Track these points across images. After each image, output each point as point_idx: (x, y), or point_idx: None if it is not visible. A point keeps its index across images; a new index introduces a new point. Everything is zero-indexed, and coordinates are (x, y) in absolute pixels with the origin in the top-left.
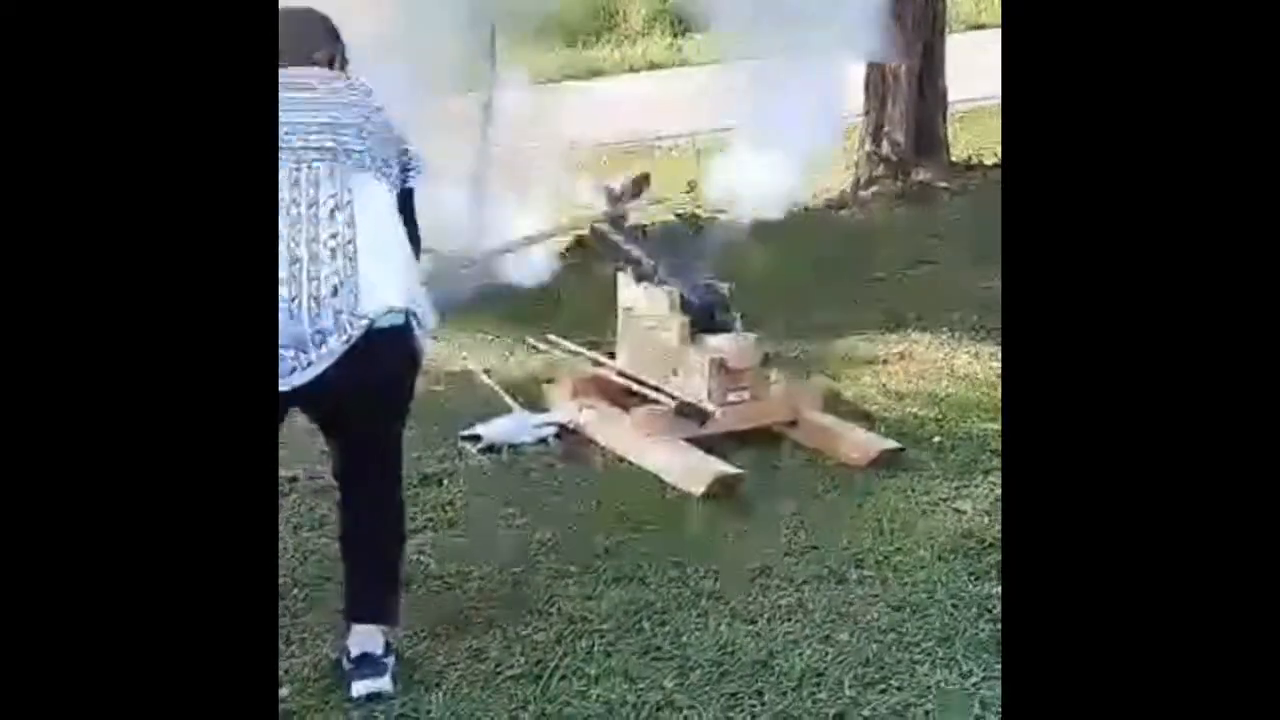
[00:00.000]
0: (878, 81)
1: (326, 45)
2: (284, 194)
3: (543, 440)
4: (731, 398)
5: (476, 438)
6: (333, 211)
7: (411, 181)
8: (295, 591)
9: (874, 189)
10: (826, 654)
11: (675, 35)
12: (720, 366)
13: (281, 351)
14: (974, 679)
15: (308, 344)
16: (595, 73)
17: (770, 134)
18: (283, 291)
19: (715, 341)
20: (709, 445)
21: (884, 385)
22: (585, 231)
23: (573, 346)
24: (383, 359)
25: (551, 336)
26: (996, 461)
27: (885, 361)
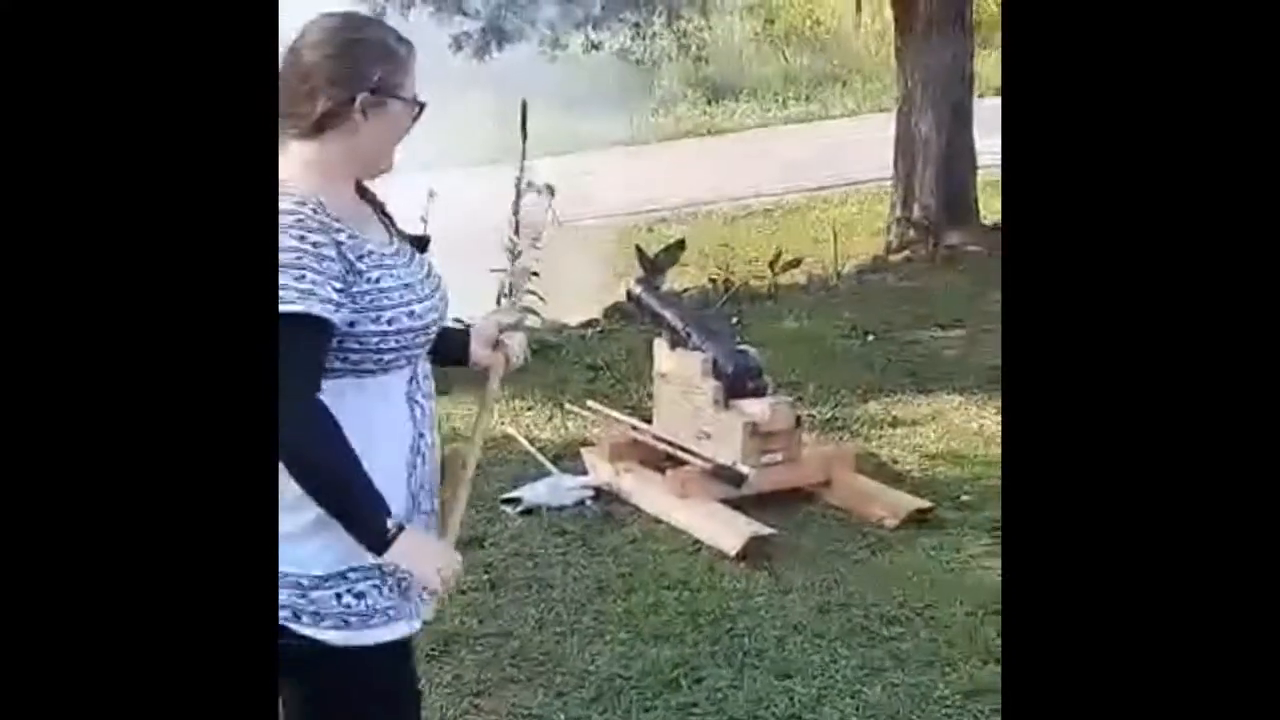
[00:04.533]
0: (908, 144)
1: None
2: None
3: (580, 503)
4: (765, 460)
5: (516, 500)
6: None
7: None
8: None
9: (905, 253)
10: (857, 710)
11: (709, 102)
12: (754, 429)
13: None
14: None
15: None
16: (631, 140)
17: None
18: None
19: (748, 405)
20: (743, 506)
21: (915, 446)
22: (622, 298)
23: (610, 411)
24: None
25: (590, 402)
26: None
27: (916, 423)
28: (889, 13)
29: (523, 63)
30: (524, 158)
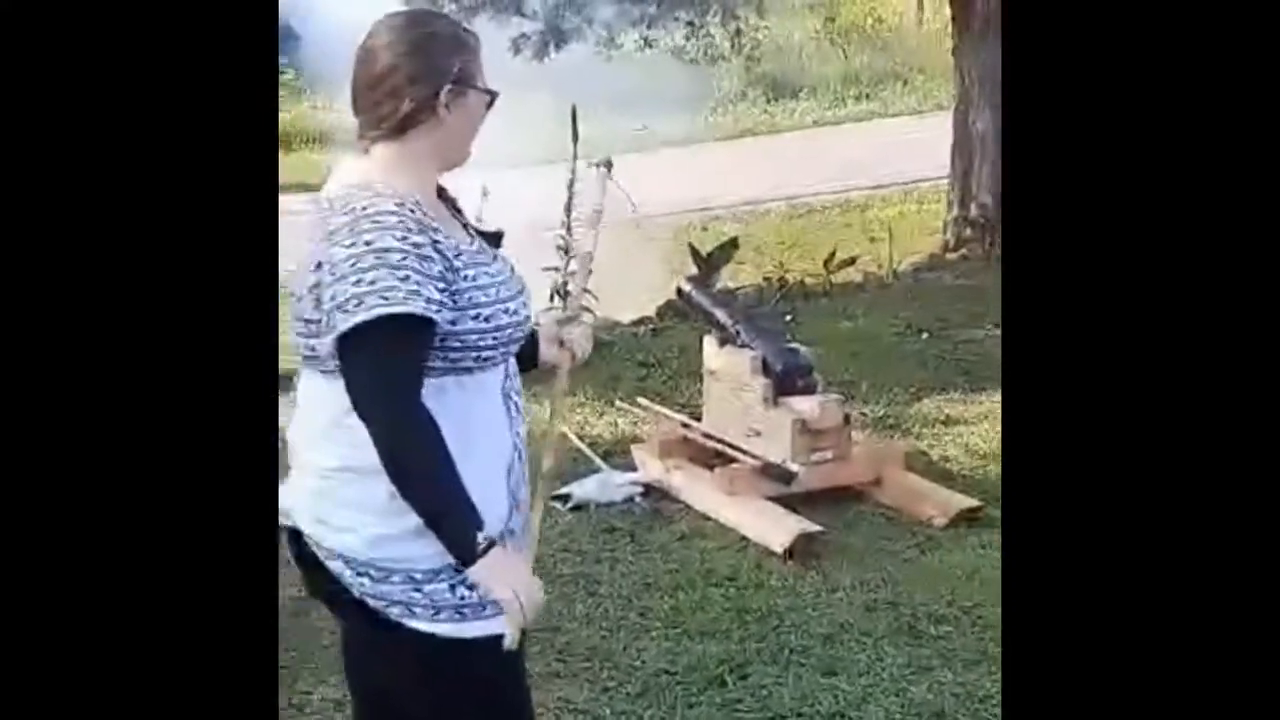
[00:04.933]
0: (965, 142)
1: (460, 62)
2: None
3: (630, 499)
4: (814, 457)
5: (566, 497)
6: None
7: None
8: None
9: (961, 252)
10: (903, 708)
11: (768, 101)
12: (803, 427)
13: None
14: None
15: None
16: (687, 139)
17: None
18: None
19: (798, 403)
20: (792, 503)
21: (967, 445)
22: (674, 296)
23: (660, 408)
24: None
25: (641, 399)
26: None
27: (969, 422)
28: (949, 10)
29: (580, 63)
30: (575, 159)
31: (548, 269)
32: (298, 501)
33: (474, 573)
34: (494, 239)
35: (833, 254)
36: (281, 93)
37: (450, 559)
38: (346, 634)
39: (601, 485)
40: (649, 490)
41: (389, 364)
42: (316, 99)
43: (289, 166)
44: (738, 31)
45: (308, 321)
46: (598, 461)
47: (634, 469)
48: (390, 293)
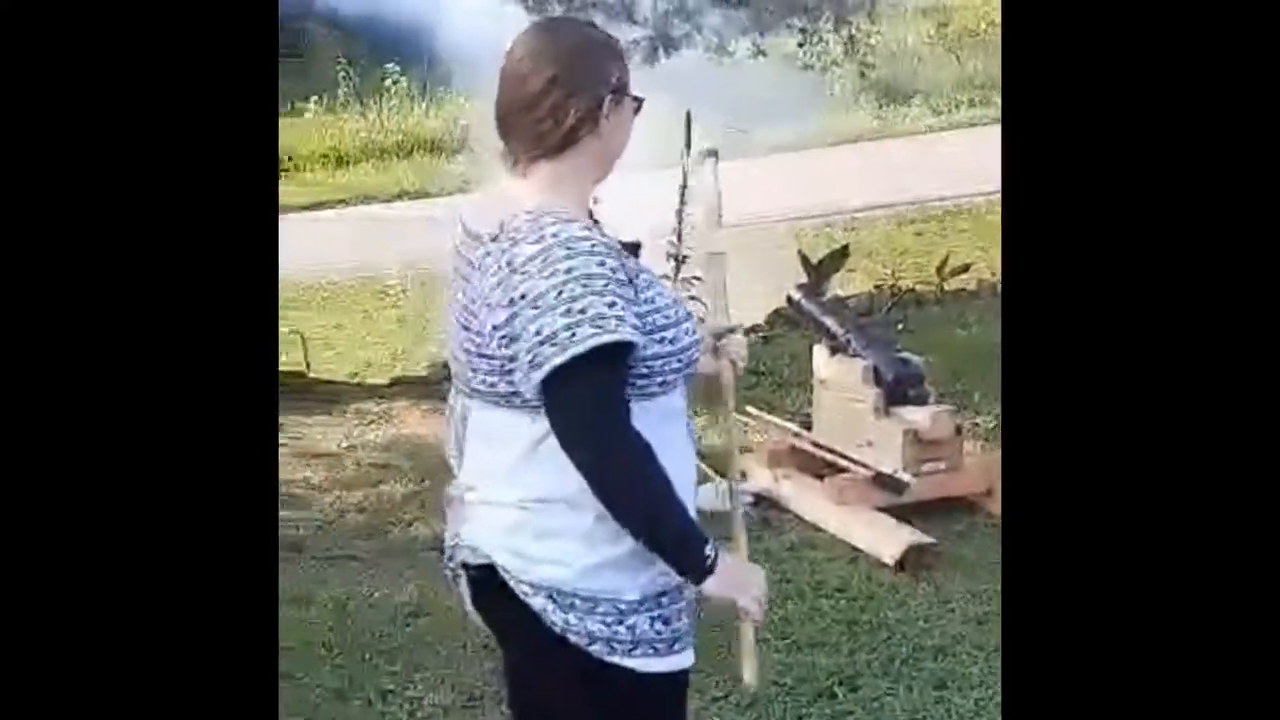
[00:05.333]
0: None
1: (616, 69)
2: None
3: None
4: (926, 468)
5: None
6: None
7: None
8: None
9: None
10: None
11: (880, 106)
12: (915, 437)
13: None
14: None
15: None
16: (798, 145)
17: (975, 202)
18: None
19: (909, 413)
20: (903, 514)
21: None
22: (784, 304)
23: (769, 417)
24: None
25: (750, 408)
26: None
27: None
28: None
29: (690, 69)
30: (686, 166)
31: (661, 277)
32: (489, 538)
33: (710, 586)
34: (633, 249)
35: (945, 261)
36: (392, 100)
37: (655, 590)
38: (518, 668)
39: (712, 495)
40: (758, 500)
41: (605, 393)
42: (431, 106)
43: (401, 171)
44: (850, 38)
45: (489, 358)
46: (706, 470)
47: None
48: (602, 321)
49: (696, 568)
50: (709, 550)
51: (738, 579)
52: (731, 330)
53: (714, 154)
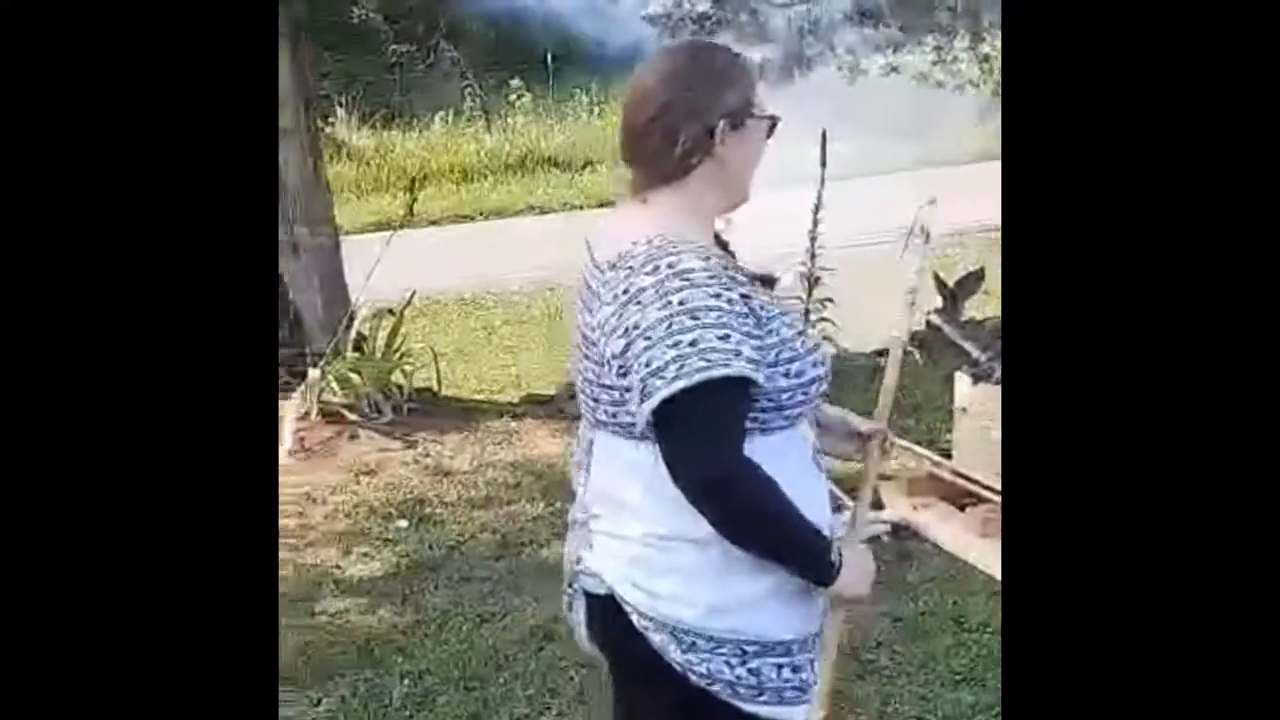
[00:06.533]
0: None
1: (735, 94)
2: None
3: (876, 538)
4: None
5: None
6: None
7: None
8: None
9: None
10: None
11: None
12: None
13: None
14: None
15: None
16: (932, 162)
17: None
18: None
19: None
20: None
21: None
22: (920, 326)
23: (908, 444)
24: None
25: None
26: None
27: None
28: None
29: (823, 87)
30: (822, 185)
31: (789, 298)
32: (614, 568)
33: (839, 585)
34: (766, 281)
35: None
36: (518, 116)
37: (786, 635)
38: (633, 704)
39: (849, 523)
40: (896, 529)
41: (713, 426)
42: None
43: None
44: (985, 57)
45: (609, 388)
46: (843, 498)
47: (880, 507)
48: (711, 354)
49: (824, 572)
50: (833, 556)
51: (863, 571)
52: (880, 432)
53: (926, 235)
